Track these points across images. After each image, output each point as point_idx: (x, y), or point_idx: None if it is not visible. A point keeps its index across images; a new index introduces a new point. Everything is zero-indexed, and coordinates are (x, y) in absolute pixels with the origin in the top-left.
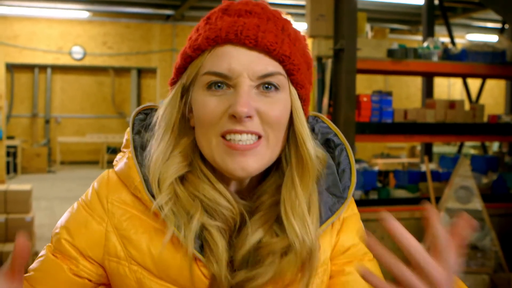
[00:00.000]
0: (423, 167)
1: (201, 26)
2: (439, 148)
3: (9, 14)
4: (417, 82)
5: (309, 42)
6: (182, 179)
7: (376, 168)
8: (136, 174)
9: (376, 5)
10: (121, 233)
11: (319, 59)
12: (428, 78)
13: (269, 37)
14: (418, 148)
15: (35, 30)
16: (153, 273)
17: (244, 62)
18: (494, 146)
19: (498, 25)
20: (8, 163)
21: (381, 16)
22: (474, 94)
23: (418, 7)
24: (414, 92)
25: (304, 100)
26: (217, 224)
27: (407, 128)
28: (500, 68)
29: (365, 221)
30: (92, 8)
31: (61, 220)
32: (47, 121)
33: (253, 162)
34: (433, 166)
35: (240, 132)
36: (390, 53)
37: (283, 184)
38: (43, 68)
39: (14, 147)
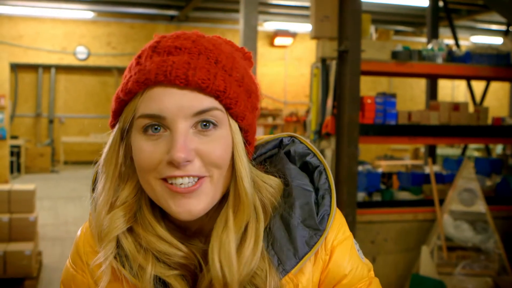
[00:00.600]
0: (427, 169)
1: (132, 66)
2: (442, 150)
3: (14, 14)
4: (421, 84)
5: (313, 43)
6: (129, 228)
7: (380, 170)
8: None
9: (380, 6)
10: (96, 282)
11: (323, 60)
12: (432, 80)
13: (200, 73)
14: (422, 150)
15: (39, 30)
16: None
17: (176, 102)
18: (498, 149)
19: (503, 27)
20: (11, 163)
21: (385, 18)
22: (478, 96)
23: (422, 9)
24: (418, 94)
25: (247, 131)
26: (173, 273)
27: (411, 130)
28: (505, 70)
29: (368, 223)
30: (96, 8)
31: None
32: (50, 121)
33: (197, 204)
34: (436, 168)
35: (181, 176)
36: (394, 55)
37: (217, 220)
38: (47, 68)
39: (18, 146)
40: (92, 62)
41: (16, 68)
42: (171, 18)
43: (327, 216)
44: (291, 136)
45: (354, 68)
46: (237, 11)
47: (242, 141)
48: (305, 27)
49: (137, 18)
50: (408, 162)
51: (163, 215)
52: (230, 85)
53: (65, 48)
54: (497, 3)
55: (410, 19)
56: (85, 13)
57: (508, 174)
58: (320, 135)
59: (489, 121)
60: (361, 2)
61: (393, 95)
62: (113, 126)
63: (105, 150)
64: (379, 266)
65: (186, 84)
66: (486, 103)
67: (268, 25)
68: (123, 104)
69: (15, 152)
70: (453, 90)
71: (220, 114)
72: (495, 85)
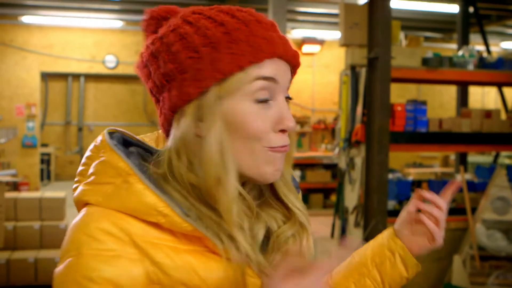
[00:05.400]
0: (458, 177)
1: (238, 36)
2: (473, 157)
3: (44, 24)
4: (450, 91)
5: (341, 50)
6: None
7: (410, 178)
8: (157, 200)
9: (410, 13)
10: (154, 262)
11: (353, 67)
12: (463, 87)
13: (298, 54)
14: (452, 157)
15: (69, 39)
16: None
17: (284, 74)
18: None
19: None
20: (42, 170)
21: (415, 24)
22: (510, 103)
23: (452, 15)
24: (448, 101)
25: None
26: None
27: (442, 138)
28: None
29: None
30: (125, 17)
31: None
32: (80, 129)
33: (283, 164)
34: (468, 176)
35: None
36: (425, 61)
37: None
38: (76, 76)
39: (48, 154)
40: (121, 70)
41: (46, 77)
42: None
43: None
44: None
45: (384, 75)
46: None
47: None
48: (333, 34)
49: None
50: (438, 169)
51: None
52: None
53: (95, 56)
54: None
55: (440, 25)
56: (114, 22)
57: None
58: (350, 143)
59: None
60: (390, 8)
61: (424, 102)
62: (198, 92)
63: (187, 117)
64: None
65: (294, 62)
66: None
67: (296, 33)
68: (235, 70)
69: (45, 160)
70: (483, 97)
71: None
72: None
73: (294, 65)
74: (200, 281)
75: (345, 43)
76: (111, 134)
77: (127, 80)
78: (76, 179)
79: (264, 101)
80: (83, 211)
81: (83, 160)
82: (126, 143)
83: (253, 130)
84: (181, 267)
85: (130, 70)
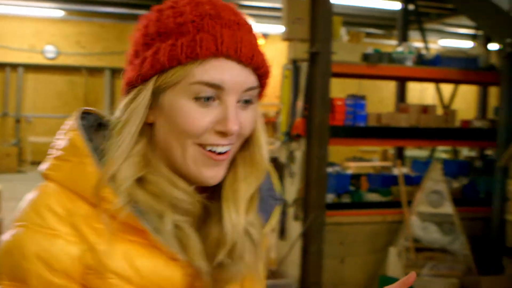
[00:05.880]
0: (396, 171)
1: (188, 28)
2: (411, 151)
3: None
4: (390, 86)
5: (284, 44)
6: (139, 180)
7: (349, 172)
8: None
9: (352, 9)
10: (92, 247)
11: (294, 62)
12: (402, 83)
13: (259, 55)
14: (391, 151)
15: (7, 28)
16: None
17: (235, 76)
18: (464, 150)
19: (470, 31)
20: None
21: (356, 20)
22: (446, 99)
23: (393, 11)
24: (387, 96)
25: None
26: (186, 219)
27: (381, 132)
28: (473, 74)
29: (337, 224)
30: (66, 7)
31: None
32: (17, 121)
33: (222, 170)
34: (405, 170)
35: (224, 145)
36: (365, 57)
37: (233, 178)
38: (14, 67)
39: None
40: (61, 61)
41: None
42: None
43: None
44: None
45: (325, 70)
46: None
47: None
48: (276, 29)
49: (107, 17)
50: (377, 163)
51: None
52: (269, 67)
53: (34, 46)
54: (465, 7)
55: (381, 21)
56: (55, 11)
57: (475, 176)
58: (290, 136)
59: (457, 124)
60: (332, 4)
61: (363, 97)
62: (144, 80)
63: (133, 100)
64: (348, 267)
65: (249, 63)
66: (454, 105)
67: None
68: (175, 64)
69: None
70: (421, 93)
71: (257, 93)
72: (463, 88)
73: (255, 68)
74: (134, 273)
75: (288, 37)
76: (87, 114)
77: (67, 71)
78: (50, 152)
79: (205, 100)
80: (40, 185)
81: (60, 136)
82: (101, 124)
83: (187, 128)
84: (118, 256)
85: (71, 61)
